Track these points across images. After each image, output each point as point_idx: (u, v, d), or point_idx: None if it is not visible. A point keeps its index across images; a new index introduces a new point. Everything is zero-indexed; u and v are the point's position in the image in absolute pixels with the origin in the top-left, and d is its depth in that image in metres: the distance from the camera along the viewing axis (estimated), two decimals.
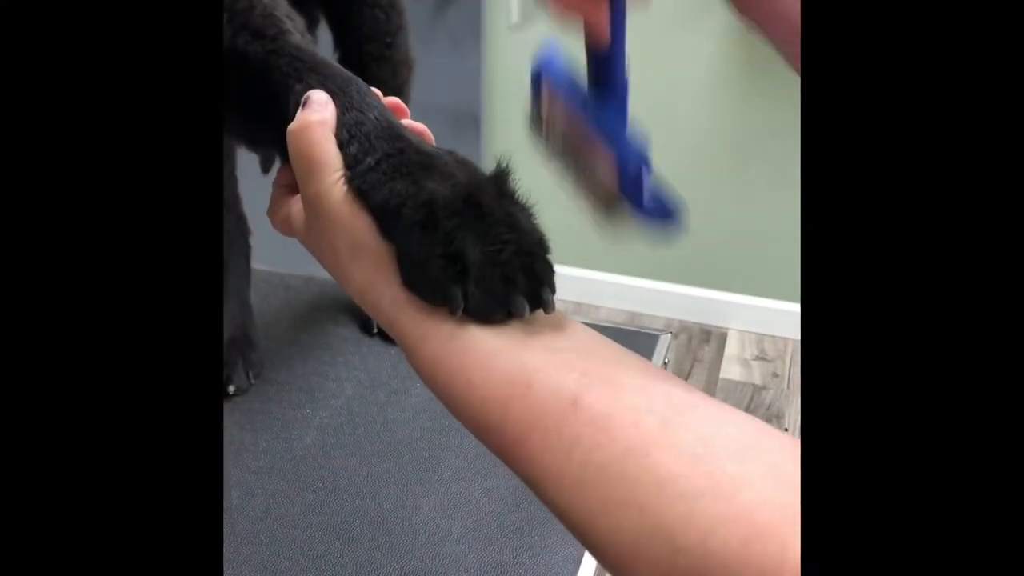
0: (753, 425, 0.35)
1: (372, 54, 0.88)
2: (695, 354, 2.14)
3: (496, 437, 0.38)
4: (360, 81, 0.47)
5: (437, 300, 0.39)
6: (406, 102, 0.94)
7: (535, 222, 0.41)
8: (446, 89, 2.10)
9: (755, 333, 2.21)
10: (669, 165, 2.40)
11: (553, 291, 0.40)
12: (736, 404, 1.92)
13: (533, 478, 0.37)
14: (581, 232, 2.31)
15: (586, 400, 0.35)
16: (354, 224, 0.42)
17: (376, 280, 0.41)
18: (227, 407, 0.84)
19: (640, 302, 2.28)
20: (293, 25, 0.52)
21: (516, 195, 0.41)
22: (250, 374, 0.88)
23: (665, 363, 0.95)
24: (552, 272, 0.40)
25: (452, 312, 0.38)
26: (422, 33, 0.97)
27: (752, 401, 1.97)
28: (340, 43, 0.90)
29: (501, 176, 0.42)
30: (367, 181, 0.41)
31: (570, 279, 2.32)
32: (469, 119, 2.16)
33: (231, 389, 0.86)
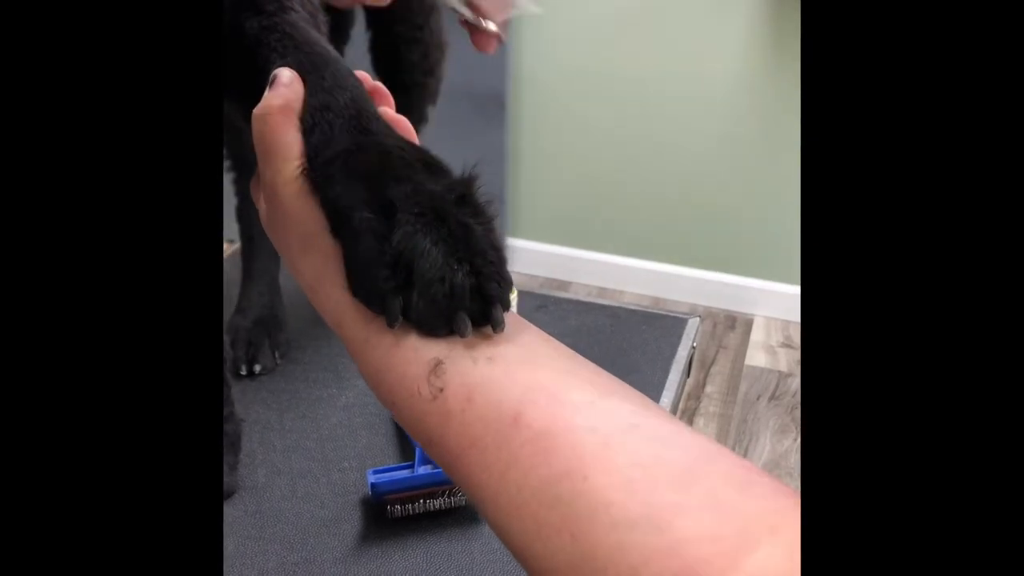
0: (699, 447, 0.33)
1: (403, 35, 0.87)
2: (720, 340, 2.12)
3: (438, 450, 0.36)
4: (340, 62, 0.45)
5: (376, 309, 0.37)
6: (437, 85, 0.94)
7: (494, 235, 0.39)
8: (472, 73, 2.09)
9: (781, 320, 2.19)
10: (697, 151, 2.38)
11: (506, 308, 0.37)
12: (761, 391, 1.92)
13: (473, 495, 0.35)
14: (605, 216, 2.31)
15: (526, 417, 0.34)
16: (306, 218, 0.40)
17: (324, 278, 0.40)
18: (253, 386, 0.85)
19: (665, 287, 2.27)
20: (300, 2, 0.51)
21: (478, 204, 0.39)
22: (276, 354, 0.88)
23: (694, 347, 0.94)
24: (506, 289, 0.38)
25: (389, 324, 0.37)
26: (446, 16, 0.97)
27: (777, 388, 1.95)
28: (371, 23, 0.89)
29: (464, 184, 0.40)
30: (322, 175, 0.39)
31: (594, 264, 2.31)
32: (495, 103, 2.15)
33: (257, 368, 0.86)
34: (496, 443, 0.34)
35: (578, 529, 0.31)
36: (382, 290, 0.37)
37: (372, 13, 0.88)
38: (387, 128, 0.42)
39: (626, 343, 0.93)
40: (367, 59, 0.90)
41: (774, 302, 2.20)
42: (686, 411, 1.86)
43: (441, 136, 0.49)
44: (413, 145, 0.42)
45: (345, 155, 0.39)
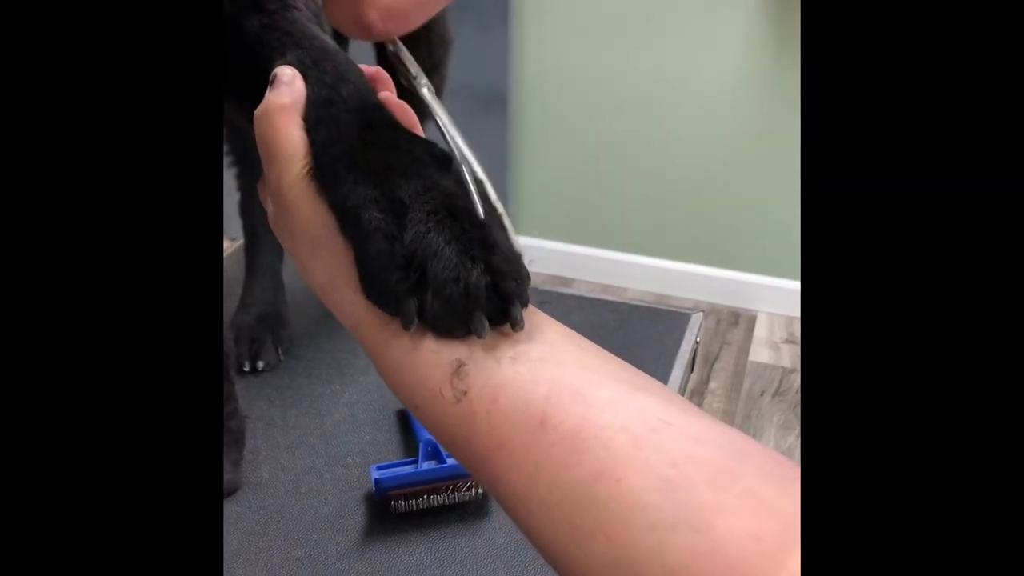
0: (733, 443, 0.32)
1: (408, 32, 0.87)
2: (724, 337, 2.12)
3: (462, 452, 0.36)
4: (341, 54, 0.44)
5: (390, 311, 0.36)
6: (442, 81, 0.94)
7: (507, 231, 0.38)
8: (474, 69, 2.09)
9: (785, 316, 2.19)
10: (699, 147, 2.38)
11: (524, 304, 0.36)
12: (765, 387, 1.92)
13: (500, 496, 0.35)
14: (608, 213, 2.30)
15: (554, 418, 0.33)
16: (314, 219, 0.39)
17: (337, 279, 0.38)
18: (257, 383, 0.85)
19: (669, 284, 2.27)
20: (304, 1, 0.49)
21: (489, 201, 0.38)
22: (280, 350, 0.88)
23: (697, 342, 0.94)
24: (523, 286, 0.37)
25: (404, 327, 0.36)
26: (449, 12, 0.97)
27: (781, 384, 1.95)
28: None
29: (474, 181, 0.39)
30: (329, 174, 0.38)
31: (597, 260, 2.31)
32: (497, 99, 2.15)
33: (260, 365, 0.86)
34: (524, 445, 0.33)
35: (614, 532, 0.31)
36: (396, 292, 0.36)
37: None
38: (393, 120, 0.41)
39: (629, 339, 0.93)
40: (371, 56, 0.90)
41: (777, 298, 2.20)
42: None
43: None
44: (420, 139, 0.41)
45: (351, 152, 0.38)
